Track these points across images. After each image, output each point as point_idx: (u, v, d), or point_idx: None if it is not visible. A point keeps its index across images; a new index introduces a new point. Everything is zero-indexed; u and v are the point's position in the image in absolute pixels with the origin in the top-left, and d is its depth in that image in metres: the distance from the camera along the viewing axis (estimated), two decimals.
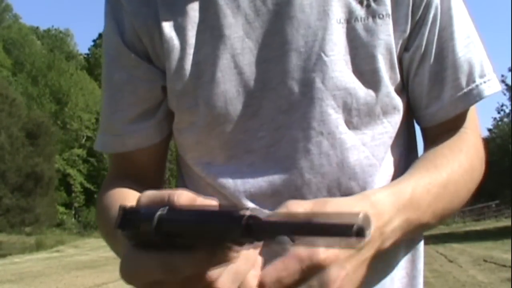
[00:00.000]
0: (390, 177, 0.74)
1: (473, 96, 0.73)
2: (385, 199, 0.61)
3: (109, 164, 0.89)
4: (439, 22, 0.73)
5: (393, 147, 0.75)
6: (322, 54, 0.70)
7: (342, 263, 0.53)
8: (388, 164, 0.74)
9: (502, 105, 28.91)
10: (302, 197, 0.68)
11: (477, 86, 0.74)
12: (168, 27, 0.74)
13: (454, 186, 0.69)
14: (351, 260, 0.55)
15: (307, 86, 0.70)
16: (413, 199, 0.63)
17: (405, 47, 0.73)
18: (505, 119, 28.45)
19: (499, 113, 29.28)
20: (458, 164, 0.70)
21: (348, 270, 0.54)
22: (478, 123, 0.79)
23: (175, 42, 0.73)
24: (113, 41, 0.78)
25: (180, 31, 0.74)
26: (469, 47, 0.75)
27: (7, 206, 26.05)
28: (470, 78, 0.74)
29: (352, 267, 0.55)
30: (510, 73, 35.85)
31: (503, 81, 25.99)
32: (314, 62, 0.70)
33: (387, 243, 0.60)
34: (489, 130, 29.59)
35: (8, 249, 20.24)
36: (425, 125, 0.77)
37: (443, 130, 0.76)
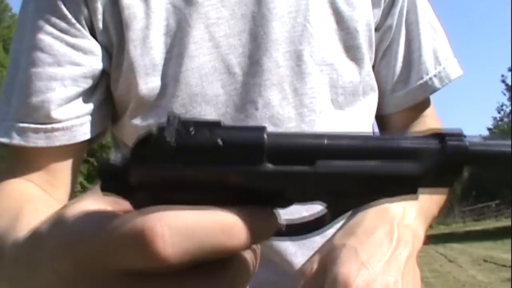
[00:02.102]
0: None
1: (442, 79, 0.73)
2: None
3: (6, 165, 0.66)
4: (406, 5, 0.73)
5: (370, 129, 0.73)
6: (308, 25, 0.65)
7: (365, 262, 0.48)
8: None
9: (502, 105, 28.97)
10: None
11: (444, 68, 0.73)
12: None
13: None
14: (378, 259, 0.49)
15: (295, 59, 0.64)
16: None
17: (376, 27, 0.72)
18: (505, 119, 28.44)
19: (499, 113, 29.34)
20: None
21: (374, 270, 0.48)
22: (434, 108, 0.77)
23: (137, 9, 0.62)
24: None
25: None
26: (432, 31, 0.74)
27: None
28: (437, 61, 0.73)
29: (383, 268, 0.48)
30: (510, 73, 35.87)
31: (503, 81, 25.99)
32: (300, 34, 0.65)
33: (419, 238, 0.56)
34: (489, 129, 29.60)
35: None
36: (391, 110, 0.74)
37: (407, 117, 0.74)
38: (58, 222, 0.29)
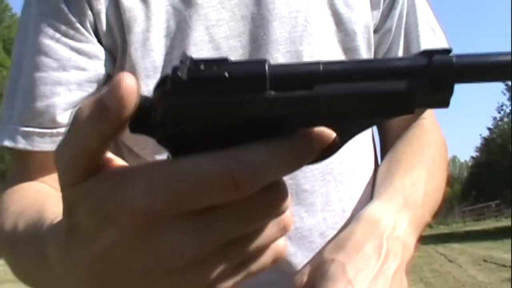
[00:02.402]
0: (369, 164, 0.72)
1: None
2: (379, 209, 0.58)
3: (12, 170, 0.65)
4: (405, 7, 0.73)
5: (372, 131, 0.73)
6: (308, 26, 0.65)
7: (352, 279, 0.49)
8: (370, 148, 0.74)
9: (502, 105, 28.93)
10: (297, 185, 0.65)
11: None
12: None
13: (434, 180, 0.68)
14: (365, 276, 0.50)
15: (295, 59, 0.64)
16: (407, 199, 0.61)
17: (375, 29, 0.72)
18: (505, 119, 28.44)
19: (499, 112, 29.30)
20: (431, 158, 0.69)
21: (360, 287, 0.49)
22: (432, 110, 0.78)
23: (138, 11, 0.62)
24: (50, 1, 0.62)
25: None
26: (431, 33, 0.74)
27: None
28: None
29: (369, 284, 0.50)
30: None
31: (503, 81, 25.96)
32: (301, 34, 0.65)
33: (409, 248, 0.56)
34: (489, 129, 29.61)
35: None
36: None
37: (405, 120, 0.74)
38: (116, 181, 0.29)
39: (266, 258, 0.32)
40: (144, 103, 0.28)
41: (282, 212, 0.31)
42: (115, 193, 0.28)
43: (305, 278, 0.52)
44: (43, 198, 0.54)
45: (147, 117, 0.28)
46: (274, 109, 0.28)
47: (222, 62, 0.28)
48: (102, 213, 0.28)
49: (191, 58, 0.28)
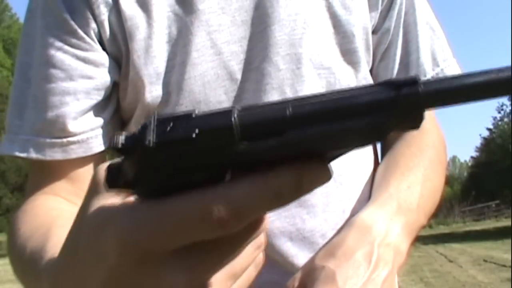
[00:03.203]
0: (369, 163, 0.73)
1: None
2: (372, 215, 0.58)
3: (29, 180, 0.68)
4: (404, 6, 0.73)
5: None
6: (307, 29, 0.65)
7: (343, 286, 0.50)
8: (369, 148, 0.74)
9: (502, 105, 28.96)
10: None
11: (442, 70, 0.73)
12: (128, 2, 0.63)
13: (431, 183, 0.68)
14: (354, 283, 0.51)
15: (295, 62, 0.65)
16: (401, 204, 0.61)
17: (373, 30, 0.72)
18: (505, 119, 28.45)
19: (499, 112, 29.31)
20: (428, 160, 0.69)
21: None
22: (433, 110, 0.78)
23: (139, 19, 0.63)
24: (55, 13, 0.64)
25: (145, 6, 0.63)
26: (430, 32, 0.74)
27: (7, 206, 26.01)
28: (435, 63, 0.73)
29: None
30: None
31: None
32: (300, 37, 0.65)
33: (401, 254, 0.57)
34: (489, 129, 29.62)
35: None
36: None
37: None
38: (98, 223, 0.30)
39: (250, 273, 0.34)
40: (114, 169, 0.29)
41: (261, 233, 0.32)
42: (105, 230, 0.29)
43: (296, 283, 0.53)
44: (51, 220, 0.56)
45: (119, 178, 0.29)
46: (246, 159, 0.28)
47: (189, 119, 0.28)
48: (95, 250, 0.30)
49: (158, 119, 0.28)
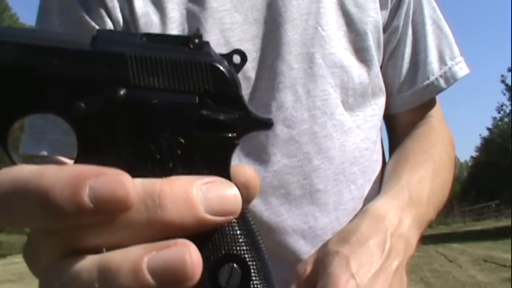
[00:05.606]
0: (378, 163, 0.73)
1: (448, 79, 0.74)
2: (385, 206, 0.59)
3: None
4: (412, 5, 0.74)
5: (380, 130, 0.74)
6: (319, 28, 0.66)
7: (354, 273, 0.50)
8: (379, 147, 0.74)
9: (502, 105, 28.98)
10: (311, 185, 0.66)
11: (450, 68, 0.74)
12: (141, 0, 0.64)
13: (440, 178, 0.69)
14: (367, 270, 0.51)
15: (308, 61, 0.65)
16: (412, 197, 0.62)
17: (383, 28, 0.72)
18: (505, 119, 28.46)
19: (499, 112, 29.35)
20: (438, 156, 0.70)
21: (362, 281, 0.50)
22: (440, 108, 0.79)
23: (153, 16, 0.64)
24: (72, 11, 0.64)
25: (158, 4, 0.64)
26: (438, 31, 0.75)
27: None
28: (442, 61, 0.74)
29: (371, 279, 0.51)
30: (510, 73, 35.93)
31: (503, 81, 26.00)
32: (312, 36, 0.66)
33: (411, 246, 0.58)
34: (489, 129, 29.64)
35: (8, 249, 20.21)
36: (397, 110, 0.75)
37: (413, 117, 0.75)
38: None
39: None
40: None
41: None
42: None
43: (308, 268, 0.53)
44: None
45: None
46: None
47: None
48: None
49: None
